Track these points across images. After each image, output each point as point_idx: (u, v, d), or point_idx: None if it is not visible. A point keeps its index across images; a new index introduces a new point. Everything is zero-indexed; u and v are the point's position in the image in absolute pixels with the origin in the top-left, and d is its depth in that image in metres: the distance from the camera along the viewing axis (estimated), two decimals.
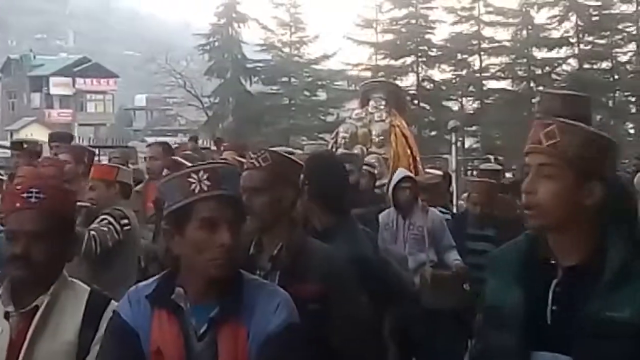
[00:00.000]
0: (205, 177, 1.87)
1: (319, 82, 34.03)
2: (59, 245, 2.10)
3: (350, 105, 25.14)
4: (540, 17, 31.04)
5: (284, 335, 1.86)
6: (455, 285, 5.06)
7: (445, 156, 14.03)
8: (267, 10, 48.40)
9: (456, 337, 4.94)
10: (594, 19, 30.29)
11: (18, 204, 2.09)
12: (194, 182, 1.87)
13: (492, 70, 31.88)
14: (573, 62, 31.27)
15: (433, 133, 29.47)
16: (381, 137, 7.86)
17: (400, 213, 5.13)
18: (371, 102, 8.20)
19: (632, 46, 30.95)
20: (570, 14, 30.60)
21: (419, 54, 31.68)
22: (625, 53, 31.18)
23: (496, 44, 31.41)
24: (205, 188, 1.86)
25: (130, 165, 6.07)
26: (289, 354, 1.86)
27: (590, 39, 30.75)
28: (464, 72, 31.53)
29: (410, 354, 4.95)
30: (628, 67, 30.87)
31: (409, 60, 31.82)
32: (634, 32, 30.46)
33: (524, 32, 31.30)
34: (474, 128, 30.67)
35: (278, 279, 2.31)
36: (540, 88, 24.89)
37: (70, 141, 6.75)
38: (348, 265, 2.47)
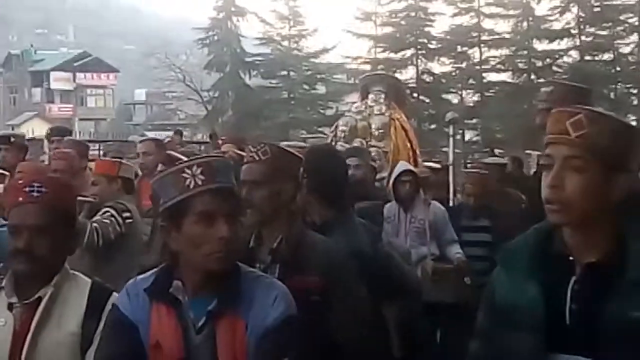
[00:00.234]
0: (199, 171, 1.86)
1: (318, 76, 34.03)
2: (61, 239, 2.11)
3: (349, 99, 25.16)
4: (541, 8, 30.99)
5: (282, 327, 1.86)
6: (457, 279, 5.08)
7: (445, 149, 13.99)
8: (266, 3, 48.39)
9: (456, 331, 4.95)
10: (595, 10, 30.05)
11: (20, 198, 2.10)
12: (188, 177, 1.86)
13: (492, 63, 31.79)
14: (574, 53, 31.14)
15: (433, 126, 29.38)
16: (381, 131, 7.83)
17: (401, 206, 5.14)
18: (371, 95, 8.16)
19: (634, 37, 30.78)
20: (571, 5, 30.42)
21: (419, 47, 31.63)
22: (627, 44, 31.04)
23: (496, 36, 31.33)
24: (200, 182, 1.85)
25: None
26: (287, 347, 1.86)
27: (592, 30, 30.58)
28: (463, 65, 31.45)
29: (415, 348, 4.96)
30: (630, 58, 30.77)
31: (408, 53, 31.79)
32: (636, 23, 30.29)
33: (525, 23, 31.19)
34: (474, 121, 30.66)
35: (278, 272, 2.32)
36: (541, 80, 24.83)
37: (70, 135, 6.76)
38: (347, 258, 2.48)
